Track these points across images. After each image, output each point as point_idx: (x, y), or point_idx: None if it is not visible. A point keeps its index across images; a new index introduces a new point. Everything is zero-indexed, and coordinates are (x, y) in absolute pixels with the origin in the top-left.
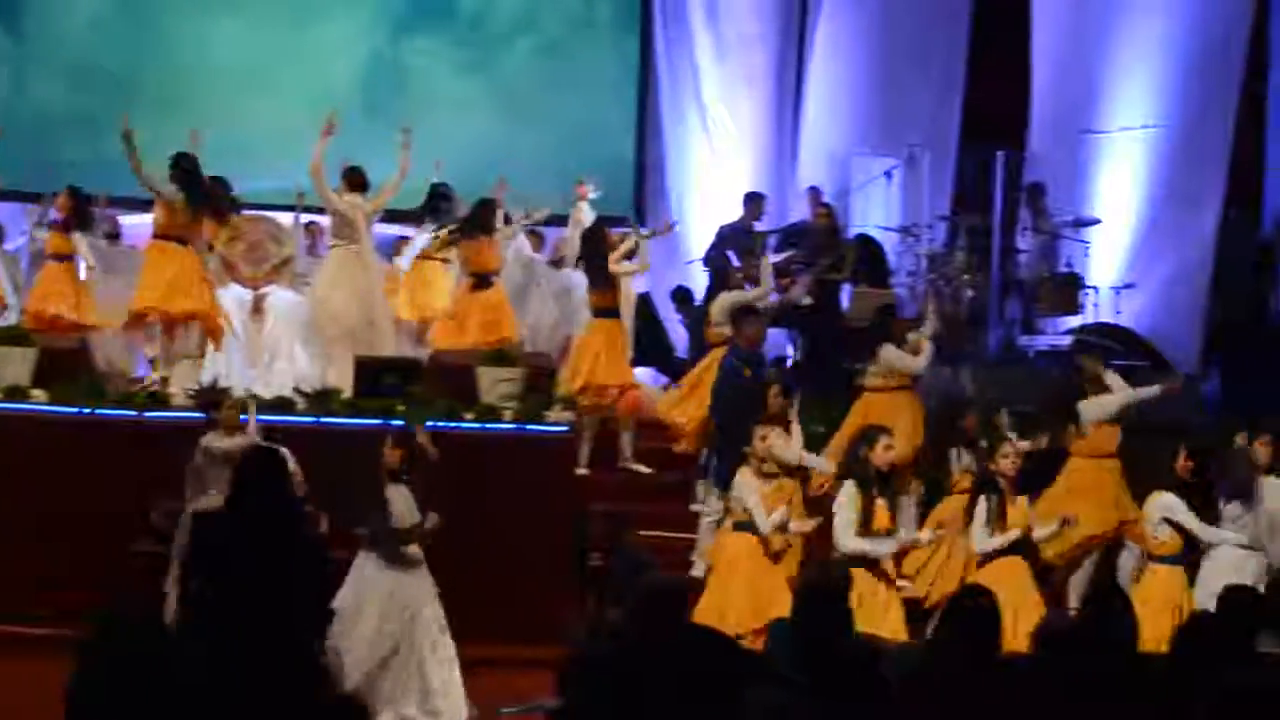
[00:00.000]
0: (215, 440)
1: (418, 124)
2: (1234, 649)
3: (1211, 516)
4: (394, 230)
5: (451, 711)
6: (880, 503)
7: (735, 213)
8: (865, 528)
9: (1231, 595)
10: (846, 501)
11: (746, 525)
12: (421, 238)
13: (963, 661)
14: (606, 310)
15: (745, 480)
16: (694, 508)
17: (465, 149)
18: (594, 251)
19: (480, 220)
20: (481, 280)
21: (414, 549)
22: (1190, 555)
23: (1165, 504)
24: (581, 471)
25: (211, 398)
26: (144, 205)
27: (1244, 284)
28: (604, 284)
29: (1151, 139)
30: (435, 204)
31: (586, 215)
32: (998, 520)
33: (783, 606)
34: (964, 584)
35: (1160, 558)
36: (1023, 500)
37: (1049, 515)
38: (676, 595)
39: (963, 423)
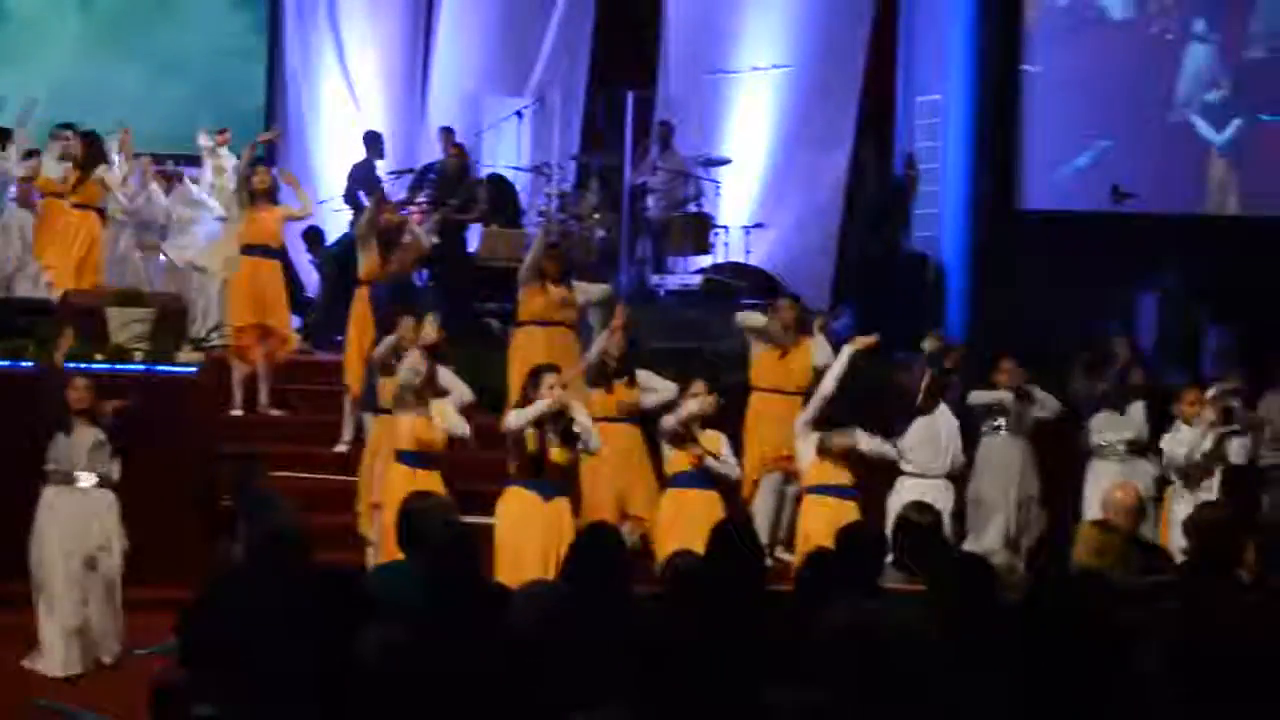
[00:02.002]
0: None
1: (14, 58)
2: (855, 583)
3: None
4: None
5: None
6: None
7: (363, 153)
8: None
9: (852, 531)
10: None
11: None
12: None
13: (591, 600)
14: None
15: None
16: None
17: (67, 82)
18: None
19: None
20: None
21: (107, 488)
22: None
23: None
24: (235, 413)
25: None
26: None
27: (875, 223)
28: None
29: (783, 79)
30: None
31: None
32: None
33: None
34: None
35: (811, 488)
36: (716, 434)
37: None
38: (295, 535)
39: None
